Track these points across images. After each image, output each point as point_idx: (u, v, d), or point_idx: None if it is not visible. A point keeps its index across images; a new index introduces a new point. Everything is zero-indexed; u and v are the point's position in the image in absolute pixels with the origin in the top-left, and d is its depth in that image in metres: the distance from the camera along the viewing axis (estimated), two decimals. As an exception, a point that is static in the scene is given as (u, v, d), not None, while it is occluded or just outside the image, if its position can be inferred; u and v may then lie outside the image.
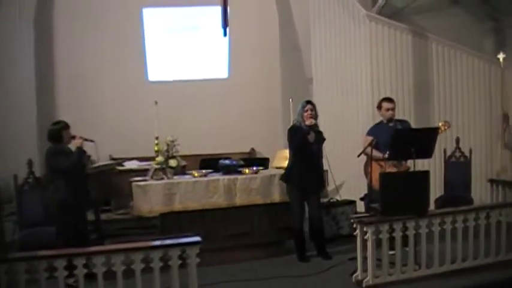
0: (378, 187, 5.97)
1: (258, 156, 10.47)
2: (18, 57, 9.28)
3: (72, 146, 6.15)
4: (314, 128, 6.69)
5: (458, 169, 7.93)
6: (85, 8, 10.21)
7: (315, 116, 6.73)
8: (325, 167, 7.42)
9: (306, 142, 6.63)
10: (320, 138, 6.78)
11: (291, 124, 7.00)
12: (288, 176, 6.83)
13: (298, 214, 6.78)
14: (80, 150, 6.16)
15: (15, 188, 6.73)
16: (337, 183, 8.36)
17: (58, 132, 6.14)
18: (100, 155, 7.02)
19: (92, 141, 6.41)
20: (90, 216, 7.40)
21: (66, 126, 6.23)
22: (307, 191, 6.77)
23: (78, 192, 6.12)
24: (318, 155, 6.82)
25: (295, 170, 6.73)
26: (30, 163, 6.81)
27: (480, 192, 8.70)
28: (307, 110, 6.71)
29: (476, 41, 9.65)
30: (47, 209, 6.35)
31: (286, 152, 7.67)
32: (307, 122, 6.66)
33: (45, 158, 6.17)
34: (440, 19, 9.59)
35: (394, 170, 6.64)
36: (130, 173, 8.02)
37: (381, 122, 7.05)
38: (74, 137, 6.22)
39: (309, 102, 6.83)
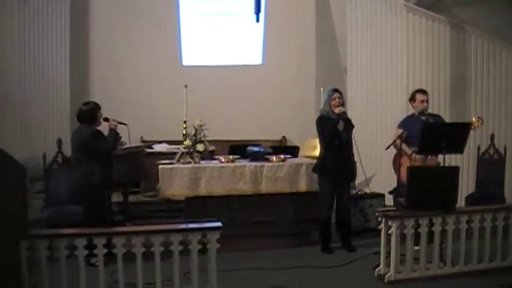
0: (405, 181, 5.86)
1: (289, 144, 10.40)
2: (54, 41, 9.48)
3: (105, 127, 6.24)
4: (343, 115, 6.59)
5: (491, 167, 7.71)
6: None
7: (342, 104, 6.64)
8: (356, 159, 7.32)
9: (336, 131, 6.54)
10: (349, 126, 6.67)
11: (319, 114, 6.89)
12: (320, 166, 6.73)
13: (328, 205, 6.69)
14: (115, 133, 6.24)
15: (43, 166, 6.81)
16: (368, 176, 8.26)
17: (92, 113, 6.21)
18: (131, 137, 7.07)
19: (125, 124, 6.50)
20: (118, 197, 7.51)
21: (98, 106, 6.29)
22: (339, 181, 6.68)
23: (107, 174, 6.21)
24: (349, 143, 6.70)
25: (328, 160, 6.62)
26: (59, 142, 6.86)
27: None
28: (334, 99, 6.62)
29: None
30: (78, 188, 6.36)
31: (316, 142, 7.63)
32: (336, 111, 6.56)
33: (80, 138, 6.20)
34: (481, 12, 9.35)
35: (423, 164, 6.51)
36: (160, 155, 8.04)
37: (413, 114, 6.92)
38: (107, 119, 6.30)
39: (336, 90, 6.74)
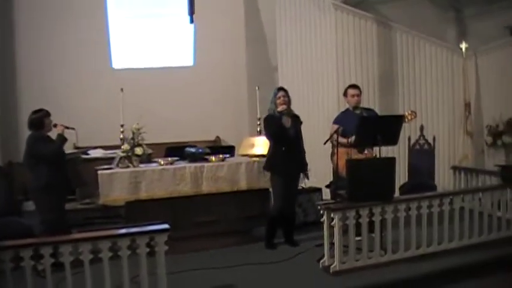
0: (345, 174, 6.02)
1: (223, 144, 10.44)
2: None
3: (54, 133, 6.25)
4: (288, 112, 6.69)
5: (422, 156, 8.07)
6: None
7: (288, 102, 6.74)
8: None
9: (282, 128, 6.64)
10: (297, 122, 6.78)
11: (266, 114, 6.96)
12: (270, 164, 6.80)
13: (281, 202, 6.72)
14: (62, 138, 6.24)
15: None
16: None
17: (40, 120, 6.20)
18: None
19: (72, 128, 6.49)
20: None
21: (47, 114, 6.30)
22: (288, 176, 6.76)
23: (60, 178, 6.18)
24: (298, 138, 6.78)
25: (278, 157, 6.69)
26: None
27: (443, 179, 8.87)
28: (279, 97, 6.71)
29: (439, 30, 9.80)
30: (31, 194, 6.33)
31: (253, 140, 7.69)
32: (279, 109, 6.66)
33: (26, 144, 6.18)
34: (405, 9, 9.72)
35: (360, 157, 6.70)
36: (96, 161, 7.90)
37: (347, 109, 7.11)
38: (55, 125, 6.33)
39: (280, 89, 6.85)
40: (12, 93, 9.93)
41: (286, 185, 6.73)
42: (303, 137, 6.90)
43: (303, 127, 6.91)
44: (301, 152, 6.88)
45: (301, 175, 6.96)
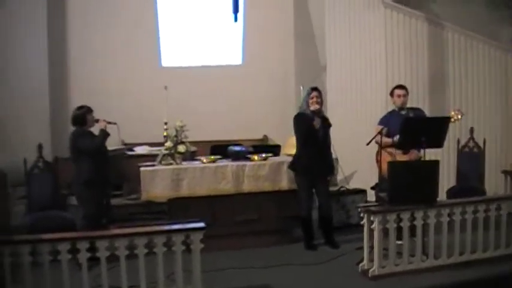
0: (387, 176, 5.90)
1: (271, 143, 10.43)
2: (31, 43, 9.36)
3: (97, 128, 6.37)
4: (319, 113, 6.63)
5: (471, 160, 7.81)
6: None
7: (320, 103, 6.66)
8: (334, 156, 7.34)
9: (312, 128, 6.57)
10: (326, 124, 6.71)
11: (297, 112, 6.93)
12: (295, 163, 6.78)
13: (306, 202, 6.71)
14: (104, 133, 6.35)
15: (24, 171, 6.76)
16: (349, 172, 8.31)
17: (82, 116, 6.33)
18: (115, 139, 7.06)
19: (114, 123, 6.59)
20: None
21: (89, 110, 6.42)
22: (314, 178, 6.71)
23: (101, 173, 6.30)
24: (325, 141, 6.73)
25: (302, 157, 6.67)
26: (40, 147, 6.85)
27: (494, 184, 8.58)
28: (312, 97, 6.64)
29: (492, 29, 9.46)
30: (73, 189, 6.48)
31: (294, 139, 7.64)
32: (312, 108, 6.60)
33: (70, 140, 6.31)
34: (457, 7, 9.41)
35: (404, 159, 6.56)
36: (141, 158, 8.02)
37: (393, 110, 6.98)
38: (97, 121, 6.43)
39: (314, 89, 6.76)
40: (63, 91, 10.16)
41: (311, 187, 6.71)
42: (335, 138, 6.83)
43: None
44: (329, 155, 6.81)
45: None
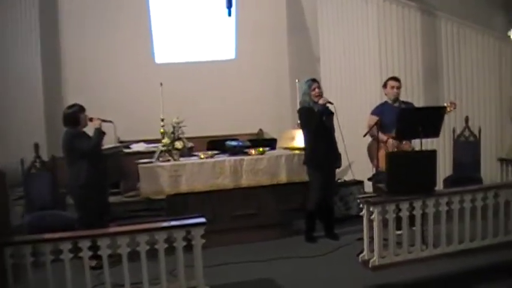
0: (384, 167, 5.92)
1: (266, 137, 10.42)
2: (24, 42, 9.26)
3: (92, 127, 6.14)
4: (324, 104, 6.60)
5: (467, 149, 7.85)
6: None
7: (321, 94, 6.67)
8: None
9: (321, 123, 6.57)
10: (330, 113, 6.70)
11: (299, 105, 6.90)
12: (311, 158, 6.71)
13: (319, 196, 6.69)
14: (100, 132, 6.14)
15: (22, 172, 6.73)
16: (345, 164, 8.28)
17: (74, 115, 6.09)
18: (111, 137, 7.03)
19: (110, 121, 6.41)
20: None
21: (81, 108, 6.17)
22: (329, 170, 6.74)
23: (98, 175, 6.13)
24: (331, 129, 6.73)
25: (318, 151, 6.63)
26: (36, 147, 6.81)
27: (490, 172, 8.61)
28: (314, 89, 6.64)
29: (486, 18, 9.47)
30: (69, 191, 6.36)
31: (293, 133, 7.65)
32: (320, 102, 6.57)
33: (63, 141, 6.11)
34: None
35: (400, 148, 6.59)
36: (138, 155, 7.99)
37: (386, 102, 6.98)
38: (91, 119, 6.19)
39: (314, 80, 6.76)
40: (57, 88, 10.10)
41: (325, 178, 6.68)
42: (339, 129, 6.79)
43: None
44: (335, 143, 6.80)
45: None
